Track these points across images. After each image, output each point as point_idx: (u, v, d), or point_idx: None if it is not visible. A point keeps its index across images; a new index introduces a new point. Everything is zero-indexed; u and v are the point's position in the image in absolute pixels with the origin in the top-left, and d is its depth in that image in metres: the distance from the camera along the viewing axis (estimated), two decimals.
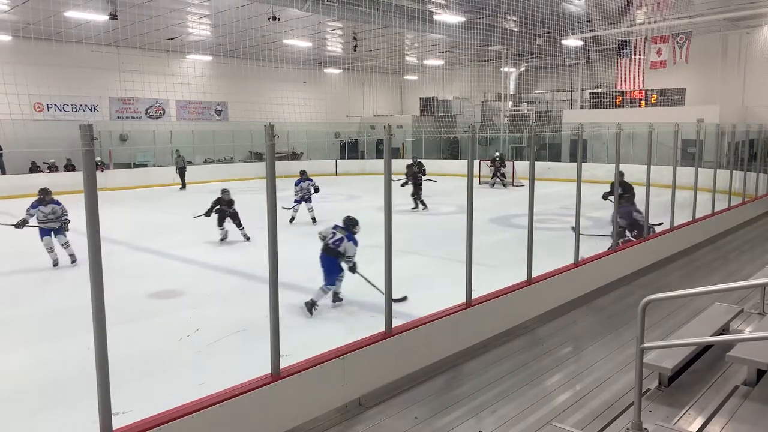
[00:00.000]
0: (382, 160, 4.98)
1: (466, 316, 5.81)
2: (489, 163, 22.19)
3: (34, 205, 9.72)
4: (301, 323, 6.73)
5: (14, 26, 19.49)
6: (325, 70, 31.21)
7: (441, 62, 30.90)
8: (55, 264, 9.73)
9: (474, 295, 5.92)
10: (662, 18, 21.30)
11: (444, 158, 29.06)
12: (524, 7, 18.99)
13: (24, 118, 18.83)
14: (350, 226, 7.28)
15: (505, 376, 5.35)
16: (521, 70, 29.25)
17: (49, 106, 22.46)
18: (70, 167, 21.69)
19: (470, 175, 5.95)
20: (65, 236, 9.77)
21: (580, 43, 24.43)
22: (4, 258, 10.48)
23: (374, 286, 6.79)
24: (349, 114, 32.52)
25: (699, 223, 11.09)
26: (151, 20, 18.62)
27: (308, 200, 13.36)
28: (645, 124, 9.87)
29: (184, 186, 22.24)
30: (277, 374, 4.21)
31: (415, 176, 15.84)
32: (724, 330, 5.09)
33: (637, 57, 22.74)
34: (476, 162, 16.31)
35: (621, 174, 9.70)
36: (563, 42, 23.62)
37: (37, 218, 9.74)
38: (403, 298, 7.08)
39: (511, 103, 28.69)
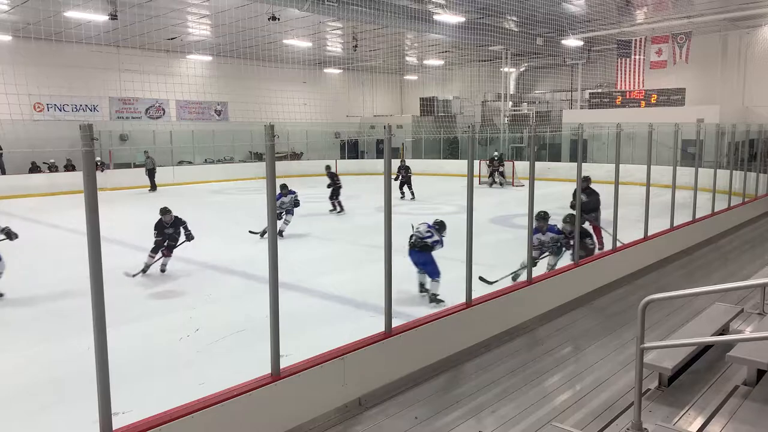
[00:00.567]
0: (382, 160, 4.98)
1: (466, 316, 5.81)
2: (488, 162, 22.20)
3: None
4: (301, 324, 6.73)
5: (14, 26, 19.49)
6: (325, 70, 31.21)
7: (441, 62, 30.91)
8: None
9: (474, 295, 5.93)
10: (662, 18, 21.31)
11: (444, 158, 29.07)
12: (524, 7, 18.99)
13: (24, 118, 18.82)
14: (442, 229, 7.52)
15: (505, 376, 5.35)
16: (521, 70, 29.25)
17: (49, 106, 22.46)
18: (70, 167, 21.69)
19: (470, 175, 5.95)
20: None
21: (580, 43, 24.43)
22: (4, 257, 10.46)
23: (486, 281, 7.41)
24: (349, 114, 32.52)
25: (699, 223, 11.09)
26: (151, 20, 18.62)
27: (290, 212, 12.49)
28: (645, 124, 9.87)
29: (153, 188, 21.38)
30: (277, 374, 4.21)
31: (396, 178, 17.31)
32: (724, 330, 5.09)
33: (637, 57, 22.74)
34: (476, 162, 16.41)
35: (586, 179, 9.62)
36: (563, 42, 23.62)
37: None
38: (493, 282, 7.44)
39: (511, 103, 28.69)
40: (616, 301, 7.70)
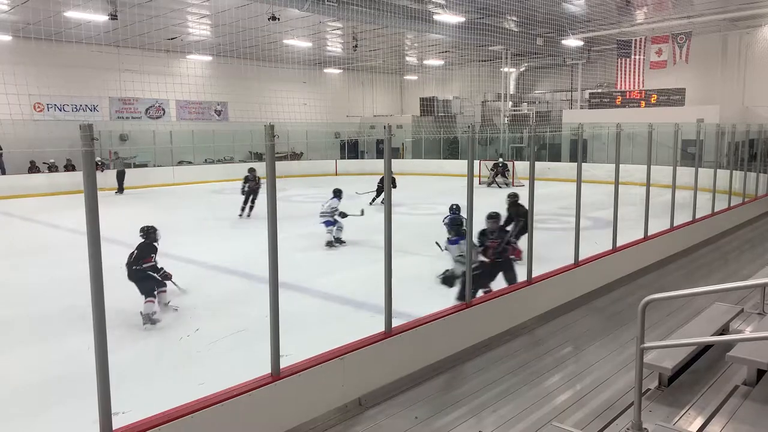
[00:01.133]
0: (382, 160, 4.99)
1: (466, 316, 5.81)
2: (491, 166, 22.31)
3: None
4: (301, 323, 6.72)
5: (14, 26, 19.48)
6: (325, 70, 31.20)
7: (441, 62, 30.90)
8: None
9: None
10: (662, 18, 21.30)
11: (444, 158, 29.07)
12: (524, 7, 18.99)
13: (24, 118, 18.82)
14: (460, 226, 6.99)
15: (505, 376, 5.35)
16: (521, 70, 29.25)
17: (49, 106, 22.45)
18: (70, 167, 21.69)
19: (470, 175, 5.95)
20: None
21: (580, 43, 24.42)
22: (4, 257, 10.48)
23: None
24: (349, 114, 32.51)
25: (699, 223, 11.08)
26: (151, 20, 18.61)
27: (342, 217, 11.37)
28: (645, 124, 9.87)
29: (120, 190, 20.79)
30: (277, 374, 4.21)
31: (379, 190, 16.44)
32: (724, 330, 5.09)
33: (637, 57, 22.73)
34: (476, 162, 16.41)
35: (514, 196, 9.39)
36: (563, 42, 23.61)
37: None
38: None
39: (511, 103, 28.69)
40: (616, 301, 7.70)
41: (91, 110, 23.93)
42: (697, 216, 11.02)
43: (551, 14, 20.21)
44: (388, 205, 5.28)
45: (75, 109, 23.39)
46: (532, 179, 6.80)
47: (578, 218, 7.71)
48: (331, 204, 11.24)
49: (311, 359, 4.53)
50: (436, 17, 19.04)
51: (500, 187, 21.72)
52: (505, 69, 27.79)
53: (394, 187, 16.81)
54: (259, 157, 27.24)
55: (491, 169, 22.19)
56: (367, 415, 4.66)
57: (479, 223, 6.64)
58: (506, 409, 4.68)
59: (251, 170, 14.77)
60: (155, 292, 7.06)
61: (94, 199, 3.23)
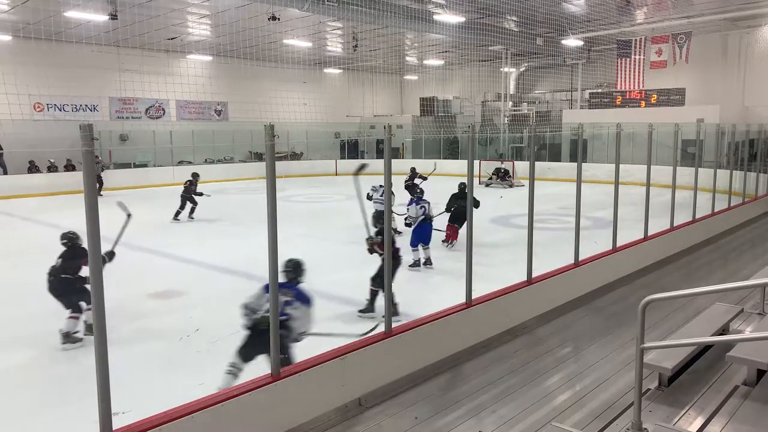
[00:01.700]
0: (382, 160, 4.99)
1: (466, 316, 5.81)
2: (492, 171, 22.38)
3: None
4: None
5: (14, 26, 19.47)
6: (325, 70, 31.20)
7: (441, 62, 30.89)
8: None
9: (474, 295, 5.92)
10: (662, 18, 21.30)
11: (444, 158, 29.07)
12: (524, 7, 18.99)
13: (24, 118, 18.83)
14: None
15: (505, 376, 5.35)
16: (521, 70, 29.25)
17: (49, 106, 22.45)
18: (70, 167, 21.69)
19: (470, 175, 5.95)
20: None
21: (580, 43, 24.42)
22: (4, 257, 10.48)
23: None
24: (349, 114, 32.51)
25: (699, 223, 11.08)
26: (151, 20, 18.61)
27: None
28: (645, 124, 9.88)
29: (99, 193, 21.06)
30: (277, 374, 4.21)
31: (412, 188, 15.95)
32: (724, 330, 5.09)
33: (637, 57, 22.73)
34: (476, 162, 16.39)
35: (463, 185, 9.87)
36: (563, 42, 23.61)
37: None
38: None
39: (511, 103, 28.69)
40: (616, 301, 7.70)
41: (91, 110, 23.93)
42: (697, 216, 11.02)
43: (551, 14, 20.21)
44: (387, 205, 5.28)
45: (75, 109, 23.39)
46: (532, 179, 6.80)
47: (578, 218, 7.71)
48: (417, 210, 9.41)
49: (311, 359, 4.53)
50: (436, 17, 19.04)
51: (503, 187, 21.74)
52: (505, 69, 27.79)
53: (425, 179, 16.10)
54: (259, 157, 27.25)
55: (492, 173, 22.30)
56: (367, 415, 4.66)
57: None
58: (506, 410, 4.68)
59: (194, 175, 14.90)
60: (83, 309, 6.24)
61: (94, 199, 3.23)
